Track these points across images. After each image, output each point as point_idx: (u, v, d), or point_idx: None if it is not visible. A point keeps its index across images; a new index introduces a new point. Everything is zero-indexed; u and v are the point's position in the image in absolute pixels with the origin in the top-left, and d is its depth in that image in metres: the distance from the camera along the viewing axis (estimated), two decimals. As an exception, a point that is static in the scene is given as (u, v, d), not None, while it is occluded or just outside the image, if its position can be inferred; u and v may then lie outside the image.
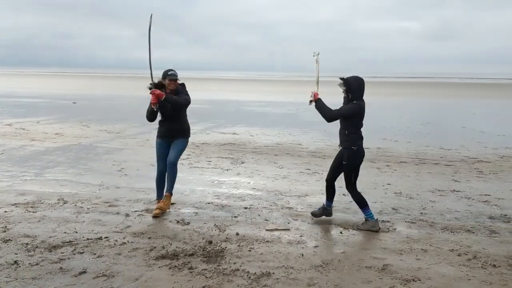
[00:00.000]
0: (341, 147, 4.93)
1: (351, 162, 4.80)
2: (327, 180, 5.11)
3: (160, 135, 5.35)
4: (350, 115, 4.74)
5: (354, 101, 4.73)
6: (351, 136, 4.78)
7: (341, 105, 4.91)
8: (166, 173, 5.28)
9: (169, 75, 5.09)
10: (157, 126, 5.40)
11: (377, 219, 4.87)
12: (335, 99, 4.82)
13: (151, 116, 5.24)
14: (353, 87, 4.72)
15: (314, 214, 5.11)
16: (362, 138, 4.87)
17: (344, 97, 4.86)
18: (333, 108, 4.90)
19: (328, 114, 4.81)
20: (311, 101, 4.92)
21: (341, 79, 4.77)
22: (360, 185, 6.57)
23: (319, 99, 4.89)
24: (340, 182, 5.04)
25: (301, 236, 4.64)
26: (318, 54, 5.13)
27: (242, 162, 8.31)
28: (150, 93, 4.99)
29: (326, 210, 5.13)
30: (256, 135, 11.89)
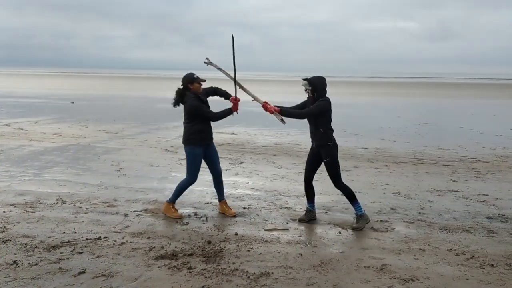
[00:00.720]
0: (315, 146, 4.96)
1: (332, 156, 4.85)
2: (305, 179, 5.14)
3: (201, 139, 5.15)
4: (323, 112, 4.77)
5: (321, 99, 4.78)
6: (327, 133, 4.83)
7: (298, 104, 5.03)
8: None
9: (196, 78, 5.10)
10: (191, 132, 5.13)
11: (364, 210, 4.95)
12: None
13: (220, 119, 5.20)
14: (319, 87, 4.79)
15: (301, 220, 5.11)
16: (333, 131, 4.92)
17: (309, 97, 4.90)
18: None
19: (297, 116, 4.85)
20: (282, 120, 4.79)
21: (305, 79, 4.82)
22: (359, 185, 6.62)
23: (280, 109, 4.81)
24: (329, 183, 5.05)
25: (299, 236, 4.65)
26: (208, 59, 5.28)
27: (241, 162, 8.32)
28: (235, 101, 5.13)
29: (311, 213, 5.13)
30: (254, 135, 11.91)
